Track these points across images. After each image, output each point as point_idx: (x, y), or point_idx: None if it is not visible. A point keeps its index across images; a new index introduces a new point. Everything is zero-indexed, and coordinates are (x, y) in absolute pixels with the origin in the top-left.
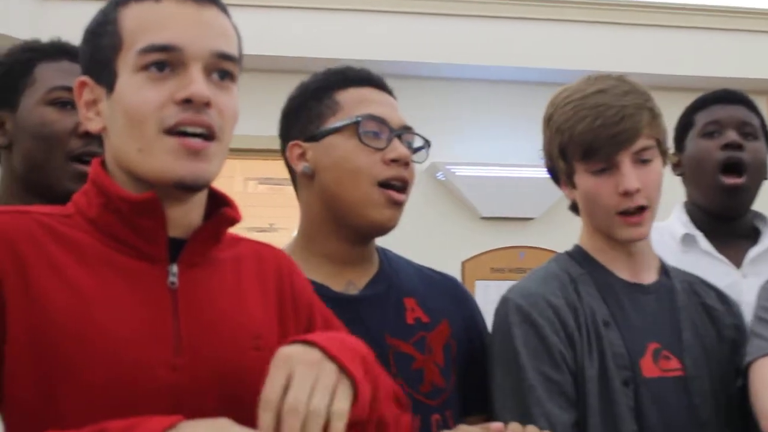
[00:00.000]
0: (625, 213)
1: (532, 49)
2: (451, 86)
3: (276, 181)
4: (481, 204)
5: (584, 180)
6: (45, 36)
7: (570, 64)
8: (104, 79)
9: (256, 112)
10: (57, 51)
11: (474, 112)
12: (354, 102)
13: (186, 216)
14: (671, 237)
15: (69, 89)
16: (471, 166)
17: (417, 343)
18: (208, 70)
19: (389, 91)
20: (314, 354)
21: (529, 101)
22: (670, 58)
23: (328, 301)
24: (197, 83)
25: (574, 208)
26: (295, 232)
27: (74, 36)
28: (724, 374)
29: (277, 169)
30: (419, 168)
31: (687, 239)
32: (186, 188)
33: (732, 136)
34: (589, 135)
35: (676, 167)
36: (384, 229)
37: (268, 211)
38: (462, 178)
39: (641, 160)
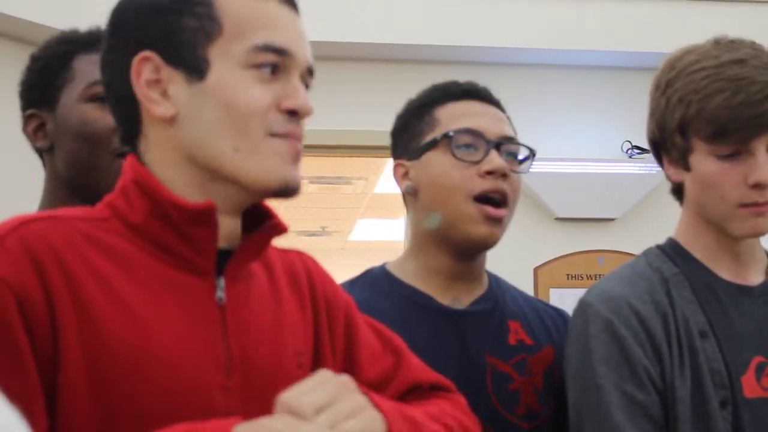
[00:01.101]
0: (749, 205)
1: (618, 31)
2: (524, 74)
3: (329, 180)
4: (556, 203)
5: (706, 163)
6: (84, 25)
7: (661, 46)
8: (186, 63)
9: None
10: (96, 41)
11: (548, 101)
12: (451, 117)
13: (235, 226)
14: None
15: None
16: (545, 161)
17: (517, 364)
18: (301, 81)
19: (494, 102)
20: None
21: (611, 89)
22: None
23: (432, 312)
24: (303, 94)
25: (677, 192)
26: (350, 236)
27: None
28: None
29: (330, 166)
30: None
31: None
32: (287, 193)
33: None
34: (726, 112)
35: None
36: (484, 245)
37: (320, 212)
38: (535, 175)
39: None
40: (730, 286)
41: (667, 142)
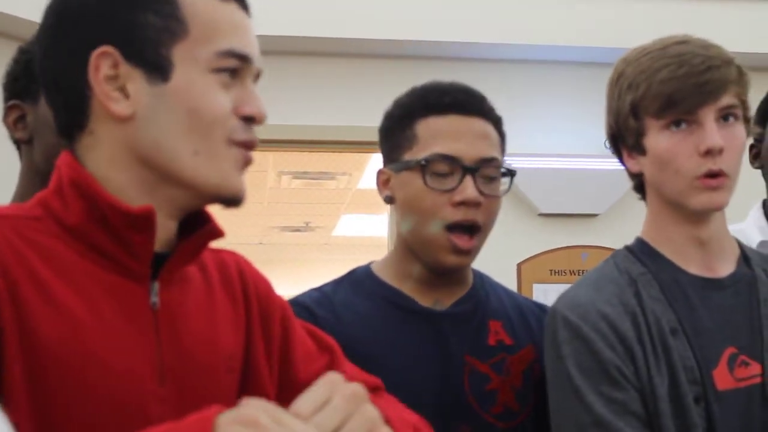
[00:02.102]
0: (704, 176)
1: (598, 26)
2: (507, 70)
3: (313, 176)
4: (539, 199)
5: (659, 139)
6: None
7: (639, 42)
8: (146, 61)
9: (291, 99)
10: None
11: (532, 98)
12: (430, 136)
13: (171, 230)
14: (746, 243)
15: None
16: (528, 157)
17: (495, 364)
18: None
19: (479, 113)
20: (361, 391)
21: (594, 85)
22: (754, 35)
23: (413, 314)
24: (260, 101)
25: (639, 188)
26: (334, 232)
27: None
28: None
29: (315, 162)
30: None
31: (764, 246)
32: (235, 202)
33: None
34: (672, 84)
35: (755, 159)
36: (452, 272)
37: (304, 208)
38: (518, 171)
39: (724, 121)
40: (698, 280)
41: (622, 130)
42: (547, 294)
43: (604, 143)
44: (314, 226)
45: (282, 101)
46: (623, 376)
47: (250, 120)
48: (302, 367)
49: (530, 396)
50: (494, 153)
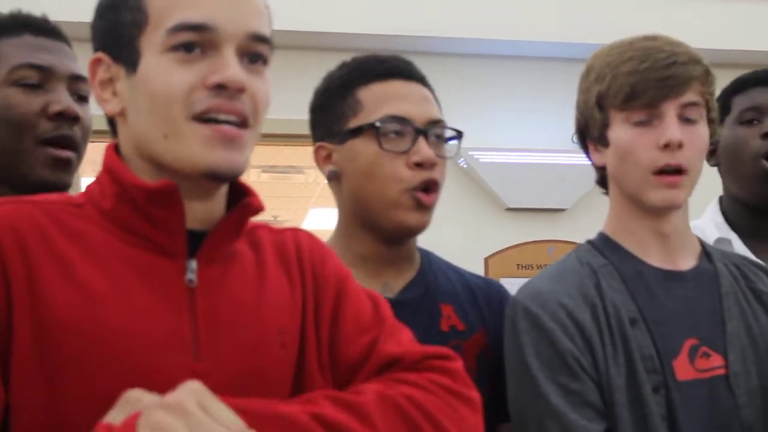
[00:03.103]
0: (663, 173)
1: (565, 21)
2: (475, 63)
3: (281, 170)
4: (506, 194)
5: (621, 132)
6: (5, 8)
7: (609, 38)
8: (124, 58)
9: None
10: (17, 25)
11: (500, 92)
12: (376, 100)
13: (208, 208)
14: (703, 239)
15: (34, 67)
16: (496, 151)
17: None
18: (240, 53)
19: (419, 79)
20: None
21: (563, 80)
22: (719, 32)
23: None
24: (232, 67)
25: (602, 182)
26: (302, 225)
27: (48, 8)
28: None
29: (282, 156)
30: None
31: (720, 244)
32: (217, 178)
33: None
34: (635, 77)
35: (711, 156)
36: (414, 232)
37: (272, 201)
38: (486, 165)
39: (687, 118)
40: (659, 272)
41: (588, 122)
42: (513, 288)
43: (572, 138)
44: (282, 219)
45: None
46: (581, 366)
47: (221, 88)
48: (348, 344)
49: (485, 382)
50: (440, 115)
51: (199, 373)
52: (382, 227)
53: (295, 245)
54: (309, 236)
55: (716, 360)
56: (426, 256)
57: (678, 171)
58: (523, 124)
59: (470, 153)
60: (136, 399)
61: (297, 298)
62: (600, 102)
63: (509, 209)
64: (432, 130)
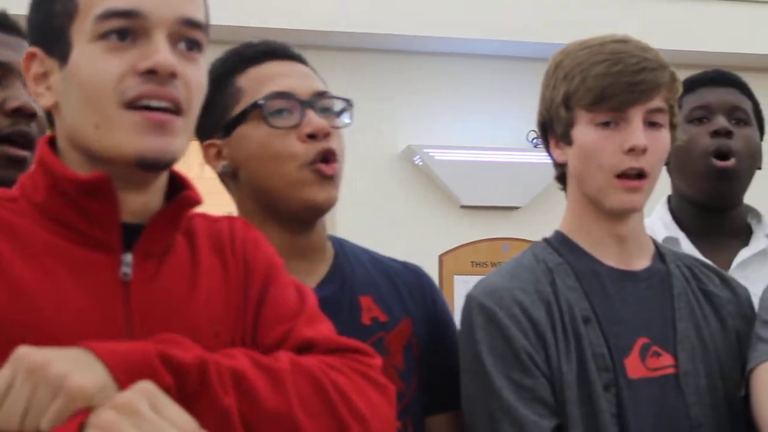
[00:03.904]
0: (625, 176)
1: (522, 21)
2: (431, 62)
3: None
4: (461, 191)
5: (586, 133)
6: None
7: (569, 38)
8: (57, 50)
9: None
10: None
11: (455, 90)
12: (256, 83)
13: (144, 200)
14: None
15: None
16: (451, 149)
17: (374, 345)
18: (173, 39)
19: (296, 58)
20: (38, 357)
21: (519, 78)
22: (670, 32)
23: None
24: (161, 52)
25: (561, 178)
26: None
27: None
28: (726, 369)
29: None
30: (392, 151)
31: (668, 243)
32: (149, 166)
33: (721, 122)
34: (606, 79)
35: None
36: (322, 209)
37: (227, 198)
38: (441, 162)
39: (652, 123)
40: (614, 272)
41: (553, 119)
42: (468, 285)
43: (527, 136)
44: (237, 216)
45: None
46: (534, 362)
47: (152, 74)
48: (267, 331)
49: (413, 375)
50: (324, 87)
51: None
52: (289, 211)
53: (230, 233)
54: (244, 224)
55: (666, 359)
56: (339, 244)
57: (640, 175)
58: (478, 122)
59: (425, 151)
60: (23, 355)
61: (232, 287)
62: (567, 101)
63: (464, 207)
64: (318, 101)
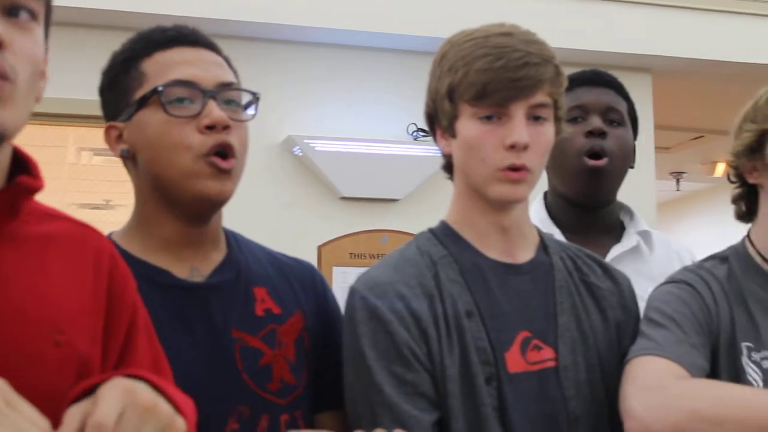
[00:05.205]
0: (507, 169)
1: (405, 14)
2: (314, 52)
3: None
4: (341, 183)
5: (469, 126)
6: None
7: (448, 32)
8: None
9: (92, 74)
10: None
11: (337, 81)
12: (160, 68)
13: None
14: None
15: None
16: (332, 140)
17: (266, 336)
18: (4, 7)
19: (207, 45)
20: (149, 395)
21: (399, 72)
22: (553, 31)
23: (171, 289)
24: None
25: (448, 167)
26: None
27: None
28: (606, 362)
29: None
30: (273, 142)
31: None
32: None
33: (596, 123)
34: (487, 75)
35: None
36: (215, 202)
37: (105, 185)
38: (321, 153)
39: (535, 118)
40: (497, 265)
41: (438, 111)
42: (346, 277)
43: (407, 129)
44: (115, 204)
45: (83, 75)
46: (416, 357)
47: None
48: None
49: (304, 368)
50: (232, 78)
51: None
52: (182, 201)
53: (98, 254)
54: (113, 249)
55: (547, 353)
56: (233, 237)
57: (521, 168)
58: (360, 114)
59: (306, 141)
60: (131, 389)
61: (83, 305)
62: (450, 93)
63: (344, 198)
64: (223, 93)
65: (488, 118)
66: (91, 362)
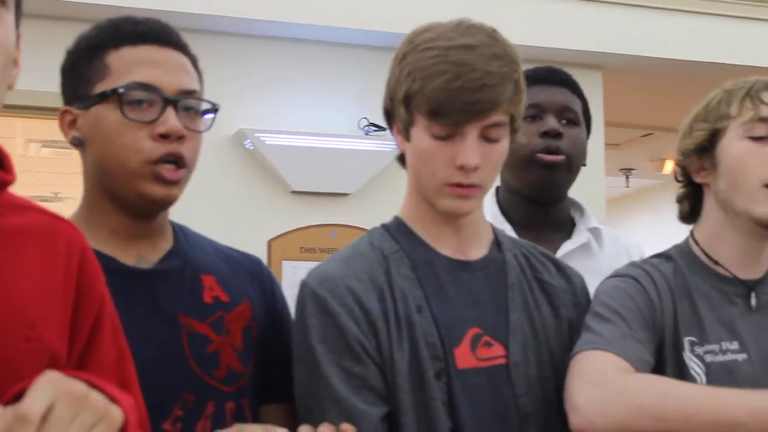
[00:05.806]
0: (455, 185)
1: (359, 8)
2: (265, 46)
3: (62, 145)
4: (292, 177)
5: (422, 138)
6: None
7: (405, 27)
8: None
9: (38, 64)
10: None
11: (289, 75)
12: (124, 65)
13: None
14: None
15: None
16: (282, 134)
17: (214, 323)
18: None
19: (176, 45)
20: (80, 386)
21: (352, 66)
22: (512, 28)
23: (117, 275)
24: None
25: (402, 160)
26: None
27: None
28: (557, 359)
29: None
30: (223, 135)
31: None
32: None
33: (551, 123)
34: (443, 95)
35: None
36: (159, 205)
37: (53, 178)
38: (272, 147)
39: (488, 138)
40: (449, 261)
41: (394, 112)
42: (296, 271)
43: (358, 123)
44: (63, 196)
45: (32, 66)
46: (365, 350)
47: None
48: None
49: (251, 356)
50: (195, 86)
51: None
52: (126, 199)
53: (68, 245)
54: (83, 241)
55: (497, 350)
56: (180, 230)
57: (471, 186)
58: (311, 108)
59: (256, 135)
60: (59, 381)
61: (54, 299)
62: (407, 100)
63: (294, 192)
64: (183, 100)
65: (440, 137)
66: (60, 357)
